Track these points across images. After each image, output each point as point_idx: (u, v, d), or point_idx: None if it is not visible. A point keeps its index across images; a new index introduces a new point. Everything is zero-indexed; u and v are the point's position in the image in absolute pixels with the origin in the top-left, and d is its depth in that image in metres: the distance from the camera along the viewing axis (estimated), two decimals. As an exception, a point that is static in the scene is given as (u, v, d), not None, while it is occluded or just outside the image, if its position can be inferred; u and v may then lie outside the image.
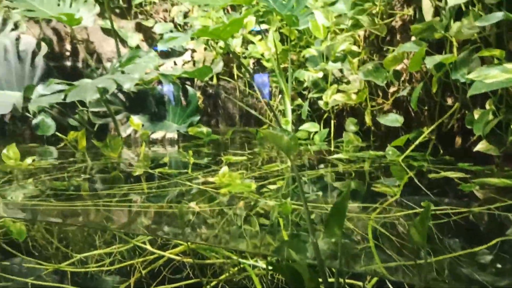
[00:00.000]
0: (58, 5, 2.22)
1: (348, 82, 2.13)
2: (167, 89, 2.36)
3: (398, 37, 1.86)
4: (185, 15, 3.04)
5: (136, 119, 2.03)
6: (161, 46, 1.85)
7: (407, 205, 1.03)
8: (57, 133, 2.09)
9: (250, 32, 2.95)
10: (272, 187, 1.20)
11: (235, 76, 2.94)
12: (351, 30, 1.96)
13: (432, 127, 1.60)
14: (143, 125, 2.04)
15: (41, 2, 2.16)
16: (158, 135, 2.17)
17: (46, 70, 1.71)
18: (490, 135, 1.33)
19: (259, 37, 2.94)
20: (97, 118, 2.10)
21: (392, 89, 1.93)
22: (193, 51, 2.75)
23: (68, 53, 2.55)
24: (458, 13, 1.45)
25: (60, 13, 2.04)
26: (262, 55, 2.92)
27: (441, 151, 1.65)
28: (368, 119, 2.02)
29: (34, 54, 1.76)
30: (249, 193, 1.14)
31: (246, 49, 3.02)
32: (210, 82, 2.90)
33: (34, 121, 2.02)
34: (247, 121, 2.98)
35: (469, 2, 1.38)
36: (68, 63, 2.50)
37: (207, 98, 2.91)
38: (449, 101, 1.67)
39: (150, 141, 2.14)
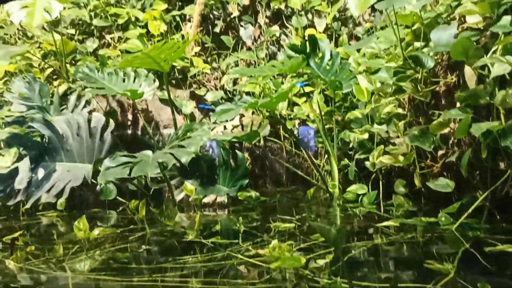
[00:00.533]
0: (124, 81, 2.49)
1: (394, 144, 2.14)
2: (218, 153, 2.50)
3: (443, 101, 1.87)
4: (235, 82, 3.25)
5: (189, 184, 2.16)
6: (213, 119, 2.00)
7: (463, 287, 1.00)
8: (118, 198, 2.26)
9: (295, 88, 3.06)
10: (321, 262, 1.22)
11: (281, 137, 3.04)
12: (395, 95, 2.01)
13: (485, 194, 1.56)
14: (195, 190, 2.16)
15: (109, 80, 2.44)
16: (209, 199, 2.27)
17: (113, 143, 1.92)
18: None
19: (304, 99, 3.07)
20: (154, 183, 2.26)
21: (440, 152, 1.91)
22: (242, 115, 2.91)
23: (129, 122, 2.80)
24: (502, 81, 1.46)
25: (125, 90, 2.29)
26: (307, 116, 3.03)
27: (498, 217, 1.58)
28: (417, 181, 2.00)
29: (103, 130, 1.98)
30: (299, 268, 1.17)
31: (292, 110, 3.13)
32: (257, 144, 3.02)
33: (98, 187, 2.21)
34: (293, 181, 3.03)
35: (513, 71, 1.39)
36: (129, 132, 2.74)
37: (254, 159, 3.01)
38: (502, 165, 1.62)
39: (201, 205, 2.25)
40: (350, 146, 2.60)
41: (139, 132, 2.72)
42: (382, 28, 3.21)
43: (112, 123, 2.02)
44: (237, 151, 2.43)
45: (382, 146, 2.21)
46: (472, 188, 1.76)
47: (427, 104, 1.98)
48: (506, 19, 1.40)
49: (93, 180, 2.20)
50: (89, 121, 1.99)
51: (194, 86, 3.16)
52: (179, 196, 2.27)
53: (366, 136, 2.36)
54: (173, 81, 3.08)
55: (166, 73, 2.23)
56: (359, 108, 2.55)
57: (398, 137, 2.12)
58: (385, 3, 1.55)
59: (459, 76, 1.75)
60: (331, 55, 2.69)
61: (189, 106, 2.94)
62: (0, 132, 2.36)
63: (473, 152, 1.63)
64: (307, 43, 2.68)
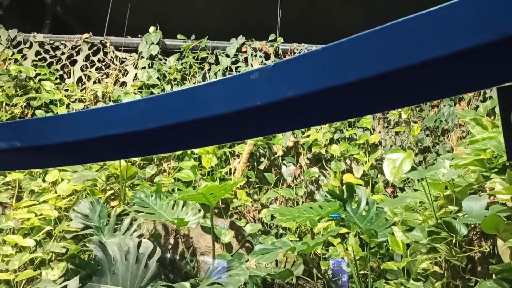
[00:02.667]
0: (173, 208, 2.72)
1: (431, 304, 2.10)
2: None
3: (479, 268, 1.90)
4: (272, 216, 3.41)
5: (220, 322, 2.16)
6: (252, 258, 2.11)
7: None
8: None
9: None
10: None
11: (315, 277, 3.03)
12: (429, 254, 2.06)
13: None
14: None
15: (160, 206, 2.68)
16: None
17: (156, 271, 2.04)
18: None
19: (339, 240, 3.13)
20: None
21: (480, 322, 1.86)
22: (277, 251, 2.98)
23: (170, 246, 2.95)
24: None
25: (173, 218, 2.49)
26: (342, 257, 3.05)
27: None
28: None
29: (149, 257, 2.14)
30: None
31: (327, 250, 3.18)
32: (289, 281, 3.02)
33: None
34: (325, 327, 2.91)
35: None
36: (168, 255, 2.86)
37: (286, 298, 2.97)
38: None
39: None
40: (386, 297, 2.54)
41: (177, 257, 2.84)
42: (418, 181, 3.40)
43: (158, 251, 2.17)
44: (270, 289, 2.45)
45: (419, 304, 2.18)
46: None
47: (464, 268, 2.00)
48: (532, 202, 1.52)
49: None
50: (138, 246, 2.16)
51: (235, 216, 3.34)
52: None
53: (402, 291, 2.34)
54: (216, 210, 3.29)
55: (212, 207, 2.44)
56: (395, 257, 2.57)
57: (435, 297, 2.09)
58: (417, 173, 1.74)
59: (493, 245, 1.81)
60: (367, 202, 2.84)
61: (228, 236, 3.08)
62: (55, 245, 2.57)
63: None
64: (345, 189, 2.87)
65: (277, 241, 2.38)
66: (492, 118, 2.56)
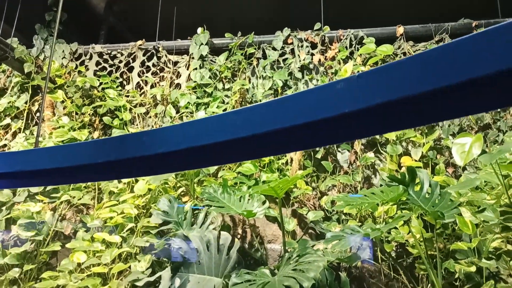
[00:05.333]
0: (240, 201, 2.89)
1: (506, 282, 2.13)
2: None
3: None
4: (332, 202, 3.50)
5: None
6: (325, 245, 2.22)
7: None
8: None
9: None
10: None
11: (379, 259, 3.11)
12: (502, 233, 2.08)
13: None
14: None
15: (228, 199, 2.85)
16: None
17: (237, 260, 2.21)
18: None
19: (401, 222, 3.17)
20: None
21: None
22: (341, 236, 3.09)
23: (239, 236, 3.13)
24: None
25: (242, 210, 2.66)
26: (406, 240, 3.09)
27: None
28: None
29: (230, 247, 2.31)
30: None
31: (389, 233, 3.23)
32: (355, 264, 3.11)
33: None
34: (393, 307, 2.99)
35: None
36: (239, 245, 3.05)
37: (351, 281, 3.08)
38: None
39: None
40: (456, 276, 2.58)
41: (247, 245, 3.02)
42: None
43: (237, 242, 2.35)
44: (340, 273, 2.56)
45: (492, 281, 2.21)
46: None
47: (540, 245, 2.01)
48: None
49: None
50: (218, 238, 2.34)
51: (296, 205, 3.47)
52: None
53: (474, 269, 2.37)
54: (276, 200, 3.44)
55: (280, 198, 2.58)
56: (463, 238, 2.59)
57: (510, 275, 2.12)
58: (489, 157, 1.77)
59: None
60: (430, 184, 2.85)
61: (292, 224, 3.22)
62: (139, 240, 2.83)
63: None
64: (406, 173, 2.90)
65: (345, 227, 2.47)
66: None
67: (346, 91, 0.79)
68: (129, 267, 2.68)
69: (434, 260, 2.71)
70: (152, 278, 2.23)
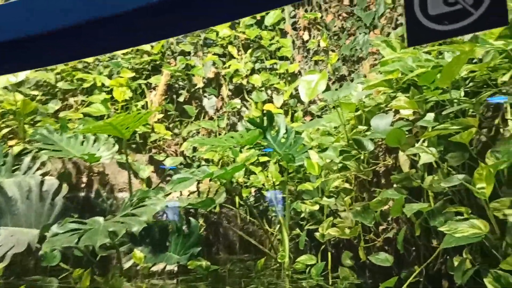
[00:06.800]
0: (82, 144, 2.52)
1: (341, 217, 2.27)
2: (171, 218, 2.51)
3: (383, 181, 2.05)
4: (194, 149, 3.35)
5: (139, 252, 2.13)
6: (170, 187, 2.05)
7: None
8: (61, 264, 2.17)
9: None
10: None
11: (237, 204, 3.10)
12: (341, 172, 2.18)
13: (418, 269, 1.68)
14: (145, 257, 2.13)
15: (68, 143, 2.46)
16: (158, 267, 2.24)
17: (63, 208, 1.90)
18: (471, 282, 1.40)
19: (260, 168, 3.20)
20: (102, 250, 2.20)
21: (381, 228, 2.05)
22: (199, 181, 2.97)
23: (83, 185, 2.77)
24: (430, 167, 1.66)
25: (83, 154, 2.31)
26: (263, 184, 3.14)
27: (432, 292, 1.69)
28: (362, 254, 2.10)
29: (55, 194, 1.97)
30: None
31: (248, 178, 3.24)
32: (212, 210, 3.06)
33: (41, 252, 2.12)
34: (247, 249, 3.05)
35: (439, 160, 1.59)
36: (82, 194, 2.70)
37: (209, 226, 3.03)
38: (435, 242, 1.77)
39: (149, 273, 2.21)
40: (302, 216, 2.70)
41: (93, 195, 2.69)
42: (334, 107, 3.53)
43: (65, 187, 2.01)
44: (190, 218, 2.45)
45: (331, 218, 2.34)
46: (411, 263, 1.88)
47: (370, 182, 2.16)
48: (430, 115, 1.63)
49: (37, 245, 2.12)
50: (41, 184, 1.97)
51: (154, 151, 3.22)
52: (127, 264, 2.22)
53: (317, 207, 2.49)
54: (133, 145, 3.13)
55: (125, 140, 2.29)
56: (311, 179, 2.70)
57: (344, 210, 2.26)
58: (331, 93, 1.76)
59: (396, 159, 1.95)
60: (286, 130, 2.89)
61: (147, 171, 2.98)
62: None
63: (409, 229, 1.78)
64: (265, 118, 2.87)
65: (196, 170, 2.34)
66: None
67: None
68: None
69: (285, 202, 2.80)
70: None
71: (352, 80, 3.58)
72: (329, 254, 2.32)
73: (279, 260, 2.38)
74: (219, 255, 3.01)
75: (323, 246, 2.39)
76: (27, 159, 2.23)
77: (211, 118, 3.63)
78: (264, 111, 3.54)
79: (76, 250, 2.24)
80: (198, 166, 3.31)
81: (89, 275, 1.75)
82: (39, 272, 2.19)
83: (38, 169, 2.23)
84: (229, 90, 3.74)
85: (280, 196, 3.02)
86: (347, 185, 2.36)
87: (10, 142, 2.60)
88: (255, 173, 3.19)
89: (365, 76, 3.53)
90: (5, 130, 2.58)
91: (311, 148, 2.72)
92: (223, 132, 3.54)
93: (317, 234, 2.37)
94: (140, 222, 1.67)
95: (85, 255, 2.25)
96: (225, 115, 3.61)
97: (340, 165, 2.18)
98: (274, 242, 2.87)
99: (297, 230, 2.68)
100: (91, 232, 1.65)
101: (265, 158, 3.22)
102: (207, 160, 3.27)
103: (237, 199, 3.11)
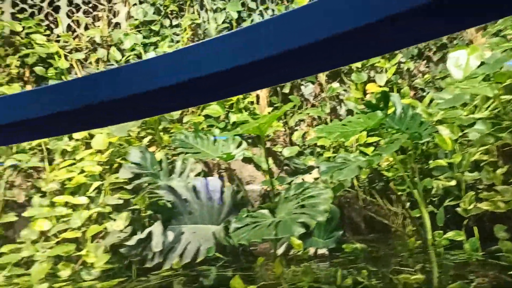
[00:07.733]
0: (214, 144, 2.70)
1: (490, 190, 2.24)
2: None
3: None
4: (303, 136, 3.44)
5: (295, 239, 2.27)
6: (324, 177, 2.15)
7: None
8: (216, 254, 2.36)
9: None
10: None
11: (356, 186, 3.16)
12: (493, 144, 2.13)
13: None
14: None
15: (202, 144, 2.64)
16: (310, 252, 2.37)
17: (232, 206, 2.07)
18: None
19: (372, 148, 3.22)
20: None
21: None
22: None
23: (216, 182, 2.97)
24: None
25: (221, 153, 2.48)
26: (378, 164, 3.16)
27: None
28: (520, 226, 2.08)
29: (222, 193, 2.15)
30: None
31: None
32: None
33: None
34: (372, 229, 3.11)
35: None
36: (231, 189, 2.88)
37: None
38: None
39: (303, 258, 2.34)
40: (432, 193, 2.69)
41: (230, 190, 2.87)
42: (442, 78, 3.43)
43: (229, 187, 2.19)
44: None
45: (473, 193, 2.32)
46: None
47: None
48: None
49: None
50: (207, 186, 2.16)
51: (268, 143, 3.36)
52: (280, 250, 2.37)
53: (453, 183, 2.47)
54: (249, 140, 3.29)
55: (263, 136, 2.42)
56: (439, 155, 2.68)
57: (492, 184, 2.23)
58: (490, 67, 1.73)
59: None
60: (402, 108, 2.87)
61: (268, 163, 3.12)
62: (110, 198, 2.56)
63: None
64: (380, 99, 2.87)
65: (338, 157, 2.42)
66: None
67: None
68: (105, 228, 2.43)
69: (409, 180, 2.80)
70: (143, 235, 2.02)
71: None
72: (476, 229, 2.30)
73: (436, 238, 2.40)
74: (345, 236, 3.10)
75: (465, 221, 2.38)
76: (178, 163, 2.44)
77: (312, 105, 3.69)
78: (367, 92, 3.53)
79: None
80: (311, 153, 3.40)
81: (280, 264, 1.90)
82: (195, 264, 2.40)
83: (190, 171, 2.43)
84: (326, 75, 3.76)
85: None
86: (486, 158, 2.32)
87: (151, 149, 2.84)
88: (367, 154, 3.22)
89: (471, 42, 3.39)
90: (146, 139, 2.82)
91: (435, 123, 2.69)
92: (328, 118, 3.58)
93: (458, 209, 2.37)
94: (321, 212, 1.79)
95: (235, 248, 2.43)
96: (326, 101, 3.65)
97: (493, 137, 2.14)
98: (401, 220, 2.90)
99: (430, 207, 2.68)
100: (282, 224, 1.79)
101: (375, 138, 3.23)
102: (320, 147, 3.34)
103: (355, 181, 3.17)
